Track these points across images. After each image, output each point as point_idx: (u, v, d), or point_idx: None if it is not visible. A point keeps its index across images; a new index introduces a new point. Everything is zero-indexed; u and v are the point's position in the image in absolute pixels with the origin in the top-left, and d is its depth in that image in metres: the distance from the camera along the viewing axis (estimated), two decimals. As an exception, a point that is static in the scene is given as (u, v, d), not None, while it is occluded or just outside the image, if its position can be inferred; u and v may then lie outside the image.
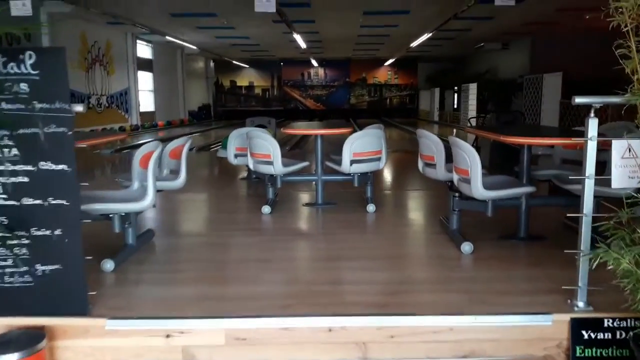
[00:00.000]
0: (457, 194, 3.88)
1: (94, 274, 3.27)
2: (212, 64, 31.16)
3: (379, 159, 4.90)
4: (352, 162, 4.75)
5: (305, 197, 5.86)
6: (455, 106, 24.37)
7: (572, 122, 10.78)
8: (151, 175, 3.38)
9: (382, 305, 2.73)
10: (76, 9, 13.37)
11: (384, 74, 31.57)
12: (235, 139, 5.47)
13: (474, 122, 11.53)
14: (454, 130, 19.03)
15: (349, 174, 4.90)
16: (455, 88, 23.98)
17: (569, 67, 11.73)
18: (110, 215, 3.43)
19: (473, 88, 18.98)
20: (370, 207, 4.95)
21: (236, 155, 5.52)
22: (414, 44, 19.65)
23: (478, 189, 3.42)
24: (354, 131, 5.03)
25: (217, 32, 19.18)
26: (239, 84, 31.92)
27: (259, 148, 4.82)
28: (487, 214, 3.63)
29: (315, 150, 5.22)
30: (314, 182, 5.39)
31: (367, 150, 4.76)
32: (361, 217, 4.83)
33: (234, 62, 30.12)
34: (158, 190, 4.01)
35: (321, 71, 31.65)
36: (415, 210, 5.47)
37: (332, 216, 4.94)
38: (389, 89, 31.63)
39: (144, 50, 21.85)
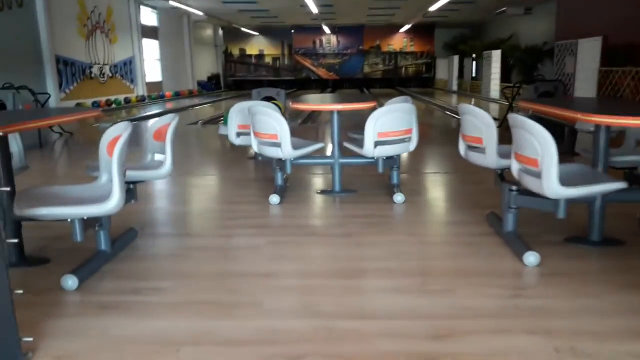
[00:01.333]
0: (514, 188, 3.05)
1: (50, 295, 2.52)
2: (220, 31, 30.02)
3: (408, 140, 4.05)
4: (377, 143, 3.91)
5: (319, 181, 5.06)
6: (474, 75, 23.20)
7: (612, 92, 9.76)
8: (116, 167, 2.56)
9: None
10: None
11: (399, 41, 30.23)
12: (237, 114, 4.63)
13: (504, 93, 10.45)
14: (472, 100, 17.96)
15: (372, 158, 4.07)
16: (474, 56, 22.75)
17: (607, 32, 10.66)
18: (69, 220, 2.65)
19: (497, 55, 17.82)
20: (398, 197, 4.13)
21: (238, 134, 4.70)
22: (433, 7, 18.44)
23: (552, 185, 2.58)
24: (376, 106, 4.18)
25: (224, -3, 18.13)
26: (248, 52, 30.80)
27: (263, 126, 3.99)
28: (556, 215, 2.80)
29: (331, 128, 4.38)
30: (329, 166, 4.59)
31: (395, 130, 3.91)
32: (387, 210, 4.02)
33: (243, 29, 28.95)
34: (136, 182, 3.23)
35: (333, 38, 30.39)
36: (452, 201, 4.55)
37: (351, 208, 4.13)
38: (404, 57, 30.33)
39: (149, 17, 20.85)
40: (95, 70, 16.57)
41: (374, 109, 4.07)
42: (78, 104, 15.05)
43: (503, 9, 19.70)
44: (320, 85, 29.66)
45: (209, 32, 29.03)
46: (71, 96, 14.95)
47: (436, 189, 5.01)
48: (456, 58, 24.13)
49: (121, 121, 2.99)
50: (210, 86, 27.55)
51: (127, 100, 17.92)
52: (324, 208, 4.21)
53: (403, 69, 30.45)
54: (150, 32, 20.91)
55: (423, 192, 4.78)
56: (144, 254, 3.19)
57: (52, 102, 13.80)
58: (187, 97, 22.84)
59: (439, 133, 10.04)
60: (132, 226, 3.48)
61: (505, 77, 17.95)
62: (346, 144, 4.22)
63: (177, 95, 22.32)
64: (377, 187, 4.63)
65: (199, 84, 26.59)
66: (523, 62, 16.77)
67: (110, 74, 17.60)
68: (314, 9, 19.32)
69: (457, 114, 13.93)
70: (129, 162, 2.98)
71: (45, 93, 8.67)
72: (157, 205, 4.43)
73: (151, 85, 20.86)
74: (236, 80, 30.55)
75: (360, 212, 3.98)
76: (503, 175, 3.44)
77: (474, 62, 23.06)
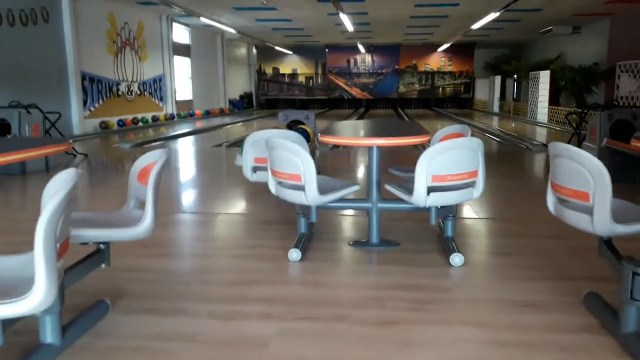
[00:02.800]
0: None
1: None
2: (254, 50, 29.65)
3: (473, 185, 3.09)
4: (431, 189, 2.96)
5: (351, 225, 4.12)
6: (515, 96, 21.98)
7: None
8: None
9: None
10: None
11: (436, 61, 29.23)
12: (253, 146, 3.75)
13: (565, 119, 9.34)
14: (513, 125, 16.78)
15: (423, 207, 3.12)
16: (515, 76, 21.56)
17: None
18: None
19: (545, 76, 16.61)
20: (456, 259, 3.16)
21: (255, 169, 3.81)
22: (476, 25, 17.43)
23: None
24: (429, 140, 3.23)
25: (257, 14, 17.54)
26: (281, 71, 30.30)
27: (283, 164, 3.09)
28: None
29: (369, 166, 3.45)
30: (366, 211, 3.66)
31: (455, 172, 2.95)
32: (442, 278, 3.04)
33: (277, 48, 28.49)
34: (103, 243, 2.37)
35: (368, 57, 29.62)
36: (526, 265, 3.22)
37: (394, 272, 3.14)
38: (441, 76, 29.26)
39: (181, 35, 20.48)
40: (122, 87, 16.14)
41: (426, 143, 3.14)
42: (102, 122, 14.57)
43: (549, 28, 18.56)
44: (354, 105, 28.85)
45: (242, 50, 28.68)
46: (96, 114, 14.48)
47: (500, 244, 3.90)
48: (498, 78, 22.94)
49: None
50: (242, 105, 27.07)
51: (154, 119, 17.44)
52: (358, 271, 3.24)
53: (440, 89, 29.38)
54: (182, 50, 20.53)
55: (484, 249, 3.74)
56: (106, 346, 2.29)
57: (75, 121, 13.35)
58: (218, 115, 22.32)
59: (488, 162, 8.94)
60: (103, 297, 2.61)
61: (553, 100, 16.72)
62: (388, 187, 3.28)
63: (208, 113, 21.82)
64: (425, 238, 3.66)
65: (231, 102, 26.13)
66: (576, 84, 15.52)
67: (138, 92, 17.15)
68: (350, 28, 18.57)
69: (500, 138, 12.97)
70: (104, 210, 2.17)
71: (55, 112, 8.02)
72: (143, 260, 3.52)
73: (181, 104, 20.40)
74: (268, 99, 30.05)
75: (406, 280, 3.01)
76: (612, 244, 2.44)
77: (516, 83, 21.82)
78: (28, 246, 3.95)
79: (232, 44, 26.31)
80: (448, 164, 2.91)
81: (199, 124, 18.02)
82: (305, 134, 5.66)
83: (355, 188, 3.30)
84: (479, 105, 26.66)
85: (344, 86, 30.08)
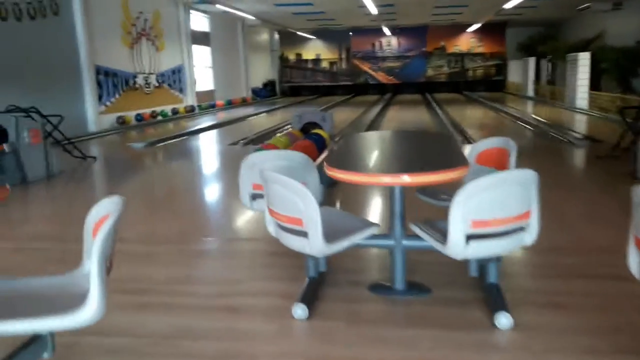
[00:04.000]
0: None
1: None
2: (276, 36, 28.91)
3: (522, 229, 2.39)
4: (470, 237, 2.28)
5: (371, 260, 3.46)
6: (549, 79, 20.75)
7: None
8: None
9: None
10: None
11: (466, 42, 27.99)
12: (250, 170, 3.11)
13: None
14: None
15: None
16: (549, 57, 20.30)
17: None
18: None
19: (584, 58, 15.44)
20: (503, 319, 2.47)
21: (254, 196, 3.18)
22: (509, 4, 16.34)
23: None
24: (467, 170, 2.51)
25: (276, -1, 16.85)
26: (304, 57, 29.52)
27: (281, 204, 2.45)
28: None
29: (392, 195, 2.77)
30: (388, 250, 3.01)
31: (502, 216, 2.26)
32: (487, 350, 2.38)
33: (299, 33, 27.70)
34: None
35: (394, 40, 28.57)
36: (597, 335, 2.41)
37: (425, 340, 2.44)
38: (471, 58, 28.04)
39: (200, 22, 19.91)
40: (140, 80, 15.68)
41: (462, 172, 2.44)
42: (119, 117, 14.15)
43: (587, 4, 17.32)
44: (380, 90, 27.93)
45: (264, 36, 27.98)
46: (112, 109, 14.06)
47: (552, 289, 3.01)
48: (533, 60, 21.69)
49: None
50: (264, 93, 26.46)
51: (174, 112, 16.98)
52: (378, 339, 2.51)
53: (471, 71, 28.18)
54: (201, 38, 19.97)
55: (534, 299, 2.90)
56: None
57: (91, 117, 12.96)
58: (240, 105, 21.77)
59: (525, 159, 8.01)
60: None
61: (593, 84, 15.57)
62: (414, 228, 2.60)
63: (230, 104, 21.29)
64: (461, 280, 2.98)
65: (254, 91, 25.56)
66: (619, 66, 14.32)
67: (156, 84, 16.69)
68: (374, 10, 17.69)
69: (536, 128, 11.98)
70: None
71: (57, 115, 7.54)
72: (114, 314, 2.94)
73: (202, 94, 19.90)
74: (292, 86, 29.35)
75: (442, 351, 2.35)
76: None
77: (550, 65, 20.56)
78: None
79: (253, 31, 25.64)
80: (492, 205, 2.22)
81: (221, 116, 17.50)
82: (320, 141, 5.01)
83: (373, 230, 2.64)
84: (511, 89, 25.44)
85: (369, 71, 29.17)
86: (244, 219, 4.57)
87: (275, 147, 4.40)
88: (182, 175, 7.41)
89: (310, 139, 4.81)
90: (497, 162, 3.15)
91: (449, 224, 2.26)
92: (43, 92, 11.12)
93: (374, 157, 3.11)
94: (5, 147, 6.44)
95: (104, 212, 1.98)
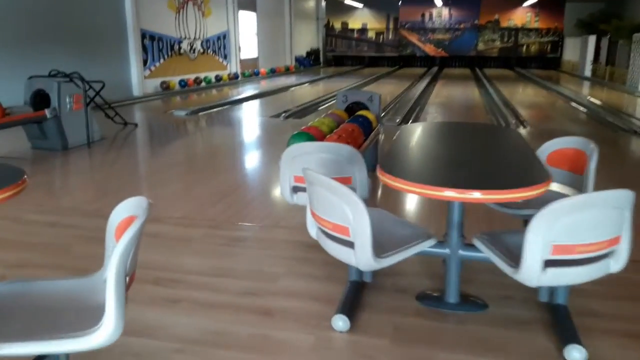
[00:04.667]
0: None
1: None
2: (323, 3, 28.21)
3: (608, 256, 2.05)
4: (549, 263, 1.96)
5: (419, 265, 3.17)
6: (608, 60, 19.48)
7: None
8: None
9: None
10: None
11: (521, 16, 26.63)
12: (292, 162, 2.84)
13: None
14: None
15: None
16: (609, 36, 19.01)
17: None
18: None
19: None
20: (575, 355, 2.15)
21: (295, 189, 2.93)
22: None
23: None
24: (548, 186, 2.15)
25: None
26: (350, 26, 28.75)
27: (326, 209, 2.18)
28: None
29: (449, 213, 2.45)
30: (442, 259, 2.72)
31: (588, 242, 1.93)
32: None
33: (347, 1, 26.93)
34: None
35: (445, 11, 27.44)
36: None
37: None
38: (526, 33, 26.70)
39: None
40: (185, 45, 15.55)
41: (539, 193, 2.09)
42: (163, 83, 14.11)
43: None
44: (427, 63, 27.05)
45: (310, 4, 27.36)
46: (156, 74, 14.02)
47: (630, 313, 2.62)
48: (592, 38, 20.42)
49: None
50: (308, 62, 26.01)
51: (218, 78, 16.84)
52: (432, 350, 2.32)
53: (524, 47, 26.88)
54: (247, 4, 19.61)
55: (608, 326, 2.51)
56: None
57: (135, 81, 12.94)
58: (284, 74, 21.45)
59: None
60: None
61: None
62: (477, 243, 2.30)
63: (273, 72, 21.00)
64: (519, 299, 2.67)
65: (297, 59, 25.16)
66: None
67: (201, 50, 16.53)
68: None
69: (593, 113, 11.13)
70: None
71: (99, 81, 7.43)
72: (142, 309, 2.72)
73: (246, 62, 19.68)
74: (336, 56, 28.75)
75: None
76: None
77: (609, 44, 19.26)
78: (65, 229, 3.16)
79: (300, -3, 25.11)
80: (579, 228, 1.89)
81: (263, 84, 17.25)
82: (366, 123, 4.68)
83: (430, 243, 2.34)
84: (567, 67, 24.16)
85: (416, 42, 28.22)
86: (283, 204, 4.33)
87: (318, 130, 4.10)
88: (222, 150, 7.23)
89: (355, 122, 4.49)
90: (572, 165, 2.78)
91: (524, 247, 1.94)
92: (88, 55, 11.11)
93: (434, 161, 2.74)
94: (47, 112, 6.38)
95: (128, 212, 1.75)
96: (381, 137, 5.17)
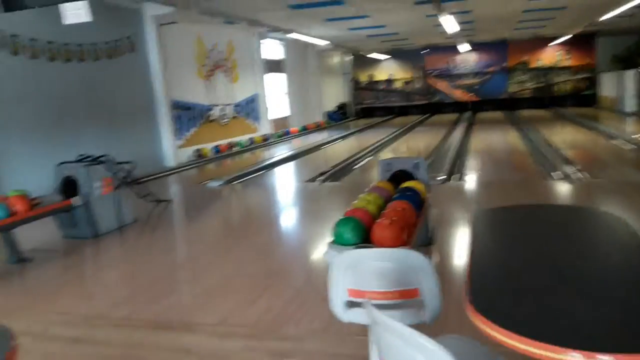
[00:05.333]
0: None
1: None
2: (348, 58, 28.49)
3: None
4: None
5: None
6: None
7: None
8: None
9: None
10: (178, 11, 11.34)
11: (551, 55, 26.19)
12: (345, 272, 2.39)
13: None
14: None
15: None
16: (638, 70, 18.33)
17: None
18: None
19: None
20: None
21: (350, 304, 2.46)
22: (607, 16, 14.84)
23: None
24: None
25: (350, 23, 16.33)
26: (377, 78, 28.83)
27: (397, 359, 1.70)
28: None
29: None
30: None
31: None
32: None
33: (371, 55, 27.13)
34: None
35: (471, 57, 27.27)
36: None
37: None
38: (557, 72, 26.17)
39: (274, 50, 19.79)
40: (215, 112, 15.61)
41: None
42: (197, 151, 14.08)
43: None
44: (458, 108, 26.68)
45: (336, 60, 27.66)
46: (190, 142, 14.02)
47: None
48: (631, 73, 19.74)
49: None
50: (338, 116, 26.03)
51: (250, 141, 16.80)
52: None
53: (557, 86, 26.29)
54: (275, 66, 19.83)
55: None
56: None
57: (168, 152, 12.90)
58: (315, 130, 21.38)
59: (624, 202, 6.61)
60: None
61: None
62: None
63: (304, 129, 20.97)
64: None
65: (327, 115, 25.25)
66: None
67: (232, 115, 16.58)
68: (452, 29, 16.73)
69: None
70: None
71: (127, 162, 7.25)
72: None
73: (278, 122, 19.72)
74: (365, 108, 28.73)
75: None
76: None
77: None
78: None
79: (326, 54, 25.38)
80: None
81: (296, 143, 17.11)
82: (416, 197, 4.21)
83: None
84: (605, 103, 23.39)
85: (445, 89, 28.00)
86: (311, 309, 3.86)
87: (365, 212, 3.66)
88: (259, 227, 6.81)
89: (405, 198, 4.03)
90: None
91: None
92: (118, 131, 11.14)
93: (537, 286, 1.85)
94: (76, 200, 6.16)
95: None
96: (430, 208, 4.68)
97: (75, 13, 7.15)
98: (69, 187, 6.33)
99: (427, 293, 2.26)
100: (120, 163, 7.08)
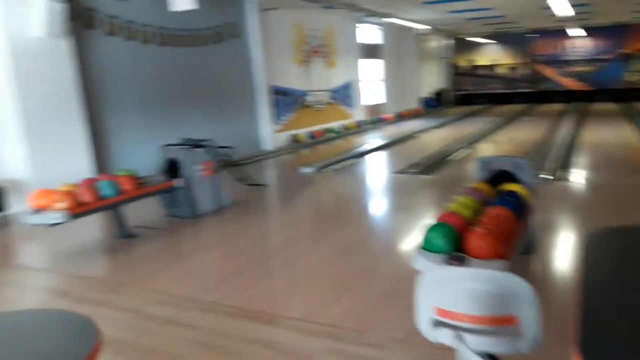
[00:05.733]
0: None
1: None
2: (448, 42, 27.49)
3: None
4: None
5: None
6: None
7: None
8: None
9: None
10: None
11: (679, 41, 23.60)
12: (434, 289, 2.27)
13: None
14: None
15: None
16: None
17: None
18: None
19: None
20: None
21: (436, 323, 2.34)
22: None
23: None
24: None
25: (450, 6, 15.69)
26: (478, 63, 27.58)
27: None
28: None
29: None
30: None
31: None
32: None
33: (472, 39, 25.96)
34: None
35: (584, 42, 25.22)
36: None
37: None
38: (686, 59, 23.55)
39: (370, 35, 19.55)
40: (311, 97, 15.76)
41: None
42: (292, 136, 14.33)
43: None
44: (566, 98, 24.88)
45: (434, 44, 26.78)
46: (286, 128, 14.29)
47: None
48: None
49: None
50: (435, 103, 25.32)
51: (344, 127, 16.82)
52: None
53: (684, 75, 23.69)
54: (373, 51, 19.60)
55: None
56: None
57: (266, 136, 13.23)
58: (410, 117, 20.96)
59: None
60: None
61: None
62: None
63: (399, 117, 20.62)
64: None
65: (424, 101, 24.63)
66: None
67: (327, 101, 16.66)
68: (566, 12, 15.53)
69: None
70: None
71: (227, 147, 7.50)
72: None
73: (372, 108, 19.55)
74: (463, 94, 27.66)
75: None
76: None
77: None
78: None
79: (424, 38, 24.65)
80: None
81: (389, 131, 16.88)
82: (518, 203, 3.95)
83: None
84: None
85: (553, 76, 26.19)
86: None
87: (459, 217, 3.48)
88: (347, 219, 6.75)
89: (505, 203, 3.78)
90: None
91: None
92: (220, 114, 11.58)
93: None
94: (178, 182, 6.48)
95: None
96: (534, 214, 4.37)
97: (182, 1, 7.46)
98: (172, 168, 6.69)
99: (526, 322, 2.09)
100: (221, 147, 7.36)
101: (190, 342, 3.34)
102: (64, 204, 5.05)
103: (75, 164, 7.94)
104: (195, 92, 11.02)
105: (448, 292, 2.20)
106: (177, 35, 10.46)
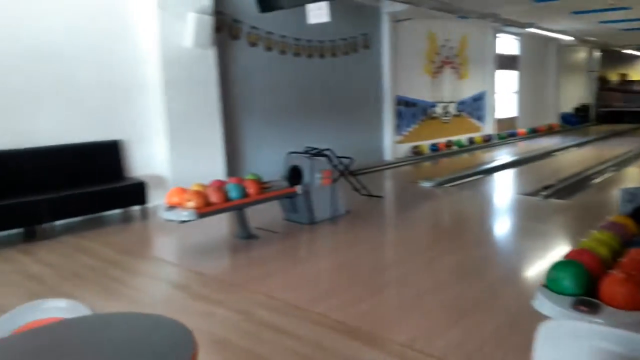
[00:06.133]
0: None
1: None
2: (596, 54, 25.24)
3: None
4: None
5: None
6: None
7: None
8: None
9: None
10: (411, 8, 11.32)
11: None
12: (555, 343, 2.01)
13: None
14: None
15: None
16: None
17: None
18: None
19: None
20: None
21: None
22: None
23: None
24: None
25: (601, 16, 14.38)
26: (631, 78, 24.99)
27: None
28: None
29: None
30: None
31: None
32: None
33: (625, 51, 23.57)
34: None
35: None
36: None
37: None
38: None
39: (508, 46, 18.61)
40: (438, 109, 15.36)
41: None
42: (414, 147, 14.08)
43: None
44: None
45: (580, 55, 24.75)
46: (408, 139, 14.09)
47: None
48: None
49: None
50: (575, 120, 23.38)
51: (470, 141, 16.17)
52: None
53: None
54: (508, 62, 18.64)
55: None
56: None
57: (388, 146, 13.16)
58: (545, 134, 19.60)
59: None
60: None
61: None
62: None
63: (533, 132, 19.38)
64: None
65: (562, 117, 22.85)
66: None
67: (455, 113, 16.13)
68: None
69: None
70: None
71: (347, 157, 7.54)
72: None
73: (503, 122, 18.59)
74: (611, 112, 25.21)
75: None
76: None
77: None
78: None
79: (567, 50, 22.87)
80: None
81: (521, 146, 15.91)
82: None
83: None
84: None
85: None
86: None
87: (593, 256, 3.11)
88: (467, 238, 6.45)
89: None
90: None
91: None
92: (346, 123, 11.72)
93: None
94: (298, 189, 6.65)
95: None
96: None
97: (317, 13, 7.67)
98: (294, 174, 6.88)
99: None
100: (340, 157, 7.43)
101: (291, 351, 3.36)
102: (193, 203, 5.40)
103: (210, 165, 8.50)
104: (324, 102, 11.26)
105: (574, 350, 1.95)
106: (311, 46, 10.77)
